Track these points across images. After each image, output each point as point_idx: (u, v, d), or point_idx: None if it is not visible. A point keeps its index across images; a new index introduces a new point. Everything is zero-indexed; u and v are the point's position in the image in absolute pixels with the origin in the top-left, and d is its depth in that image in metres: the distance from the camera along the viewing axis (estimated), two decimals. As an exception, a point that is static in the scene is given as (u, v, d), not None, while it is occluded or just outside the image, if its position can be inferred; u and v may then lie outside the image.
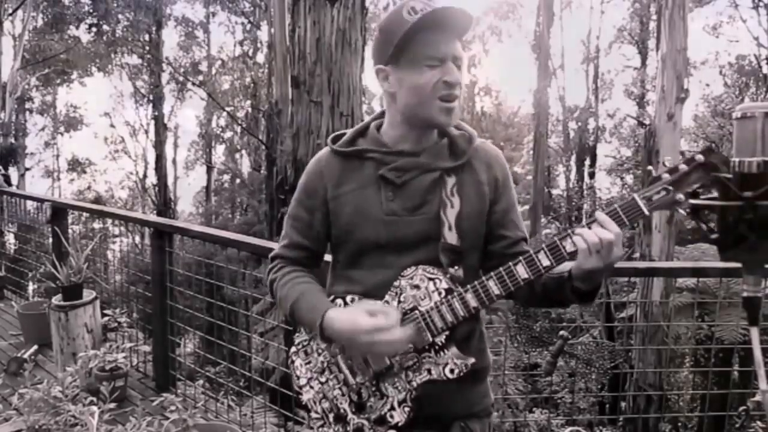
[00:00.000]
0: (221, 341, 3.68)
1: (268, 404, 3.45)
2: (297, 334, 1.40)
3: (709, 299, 7.47)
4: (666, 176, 1.11)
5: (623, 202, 1.13)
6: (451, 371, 1.23)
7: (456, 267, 1.24)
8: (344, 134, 1.38)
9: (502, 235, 1.33)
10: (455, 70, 1.22)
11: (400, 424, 1.26)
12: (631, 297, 10.62)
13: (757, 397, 1.06)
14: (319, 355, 1.34)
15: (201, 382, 3.60)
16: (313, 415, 1.35)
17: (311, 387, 1.35)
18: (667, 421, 8.61)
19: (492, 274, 1.19)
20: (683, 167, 1.10)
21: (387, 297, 1.27)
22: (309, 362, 1.36)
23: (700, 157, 1.08)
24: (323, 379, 1.34)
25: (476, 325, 1.37)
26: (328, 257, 1.44)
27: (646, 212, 1.11)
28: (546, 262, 1.16)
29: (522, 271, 1.17)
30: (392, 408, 1.26)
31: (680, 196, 1.09)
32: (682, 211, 1.10)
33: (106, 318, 3.87)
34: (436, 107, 1.23)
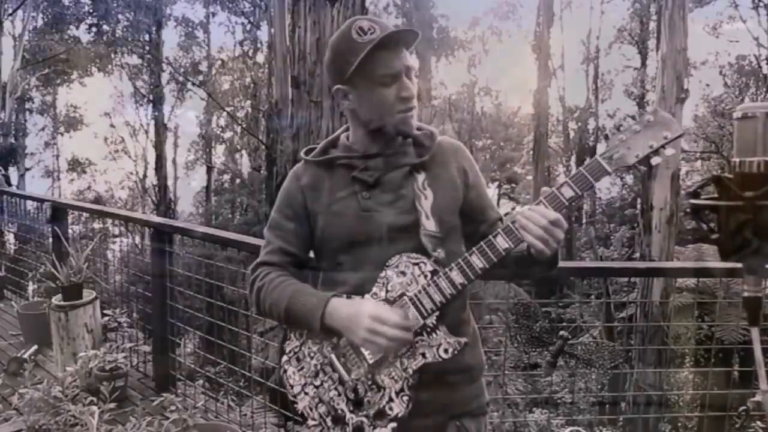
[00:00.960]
0: (221, 341, 3.68)
1: (268, 404, 3.45)
2: (287, 342, 1.40)
3: (709, 299, 7.47)
4: (622, 137, 1.19)
5: (587, 164, 1.22)
6: (445, 351, 1.26)
7: (439, 251, 1.29)
8: (315, 147, 1.46)
9: (482, 218, 1.41)
10: (408, 83, 1.31)
11: (399, 415, 1.26)
12: (631, 297, 10.62)
13: (757, 397, 1.06)
14: (312, 358, 1.35)
15: (201, 382, 3.60)
16: (310, 422, 1.35)
17: (306, 393, 1.36)
18: (667, 421, 8.60)
19: (474, 249, 1.25)
20: (636, 128, 1.19)
21: (375, 288, 1.30)
22: (302, 368, 1.37)
23: (650, 117, 1.18)
24: (318, 383, 1.34)
25: (468, 319, 1.42)
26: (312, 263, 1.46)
27: (609, 170, 1.20)
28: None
29: (502, 242, 1.23)
30: (390, 399, 1.27)
31: (638, 153, 1.18)
32: (641, 167, 1.20)
33: (106, 318, 3.87)
34: (396, 119, 1.32)
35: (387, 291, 1.29)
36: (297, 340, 1.38)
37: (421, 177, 1.34)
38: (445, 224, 1.33)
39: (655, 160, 1.18)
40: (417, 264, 1.28)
